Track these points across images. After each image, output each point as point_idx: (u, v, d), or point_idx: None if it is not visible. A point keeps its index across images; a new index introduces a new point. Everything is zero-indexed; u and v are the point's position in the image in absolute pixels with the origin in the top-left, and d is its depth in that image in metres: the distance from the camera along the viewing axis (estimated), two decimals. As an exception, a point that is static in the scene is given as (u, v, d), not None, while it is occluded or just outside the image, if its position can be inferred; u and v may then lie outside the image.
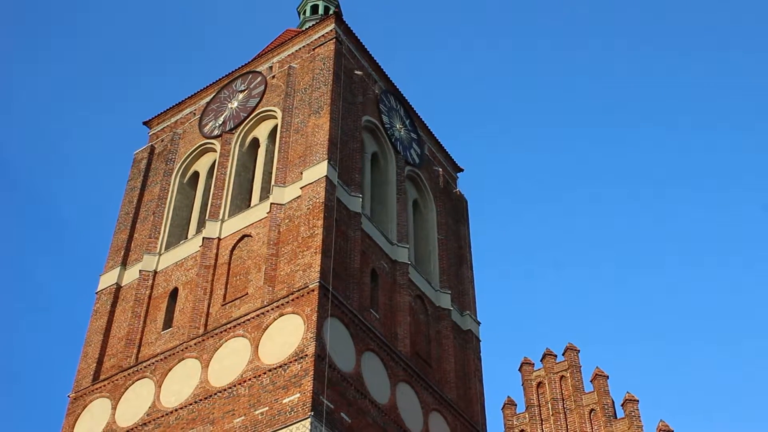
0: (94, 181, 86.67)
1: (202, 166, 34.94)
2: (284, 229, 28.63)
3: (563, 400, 28.49)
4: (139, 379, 28.24)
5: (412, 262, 32.18)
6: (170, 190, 34.42)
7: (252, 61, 36.57)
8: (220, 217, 30.98)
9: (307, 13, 43.76)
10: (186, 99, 37.51)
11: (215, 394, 25.75)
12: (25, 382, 74.57)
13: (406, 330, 29.51)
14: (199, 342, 27.46)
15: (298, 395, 23.75)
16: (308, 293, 25.87)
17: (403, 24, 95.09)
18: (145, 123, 38.35)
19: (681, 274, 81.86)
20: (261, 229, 29.42)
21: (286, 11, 75.47)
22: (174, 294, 30.39)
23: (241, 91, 35.34)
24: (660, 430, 26.40)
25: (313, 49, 33.99)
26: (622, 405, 27.45)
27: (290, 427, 23.24)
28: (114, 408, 28.10)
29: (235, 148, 33.47)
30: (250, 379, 25.23)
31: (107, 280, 32.43)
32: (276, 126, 33.12)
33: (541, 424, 28.22)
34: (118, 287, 31.97)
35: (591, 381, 28.49)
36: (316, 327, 24.92)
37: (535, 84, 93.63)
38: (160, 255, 32.01)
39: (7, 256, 79.19)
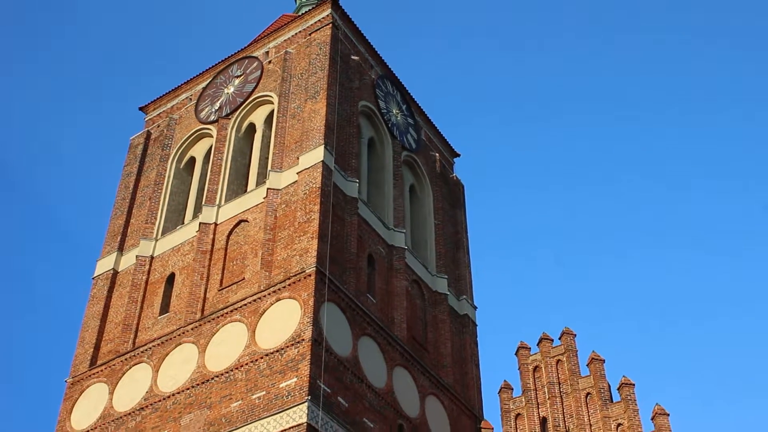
0: (90, 167, 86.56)
1: (198, 151, 34.93)
2: (281, 214, 28.65)
3: (559, 384, 28.53)
4: (136, 364, 28.32)
5: (409, 247, 32.22)
6: (167, 175, 34.43)
7: (248, 46, 36.51)
8: (217, 202, 30.99)
9: (304, -2, 43.58)
10: (182, 84, 37.45)
11: (212, 378, 25.82)
12: (22, 368, 74.69)
13: (403, 315, 29.58)
14: (196, 327, 27.52)
15: (295, 380, 23.82)
16: (305, 278, 25.91)
17: (399, 9, 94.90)
18: (141, 108, 38.30)
19: (677, 259, 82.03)
20: (257, 214, 29.44)
21: (282, -4, 75.35)
22: (171, 279, 30.44)
23: (238, 77, 35.30)
24: (656, 413, 26.47)
25: (310, 35, 33.94)
26: (618, 389, 27.51)
27: (287, 411, 23.34)
28: (111, 393, 28.18)
29: (231, 133, 33.45)
30: (247, 364, 25.30)
31: (104, 265, 32.48)
32: (272, 111, 33.09)
33: (538, 408, 28.28)
34: (115, 272, 32.03)
35: (587, 365, 28.54)
36: (312, 312, 24.98)
37: (532, 69, 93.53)
38: (157, 240, 32.05)
39: (3, 242, 79.19)
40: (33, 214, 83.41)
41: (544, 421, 28.15)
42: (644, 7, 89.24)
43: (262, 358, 25.08)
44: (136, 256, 31.67)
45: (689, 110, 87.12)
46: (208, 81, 36.46)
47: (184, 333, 27.74)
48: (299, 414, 23.04)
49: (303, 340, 24.52)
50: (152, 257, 31.56)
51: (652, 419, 26.48)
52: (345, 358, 25.56)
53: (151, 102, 38.07)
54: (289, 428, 22.97)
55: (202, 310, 28.05)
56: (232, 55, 36.53)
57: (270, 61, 34.68)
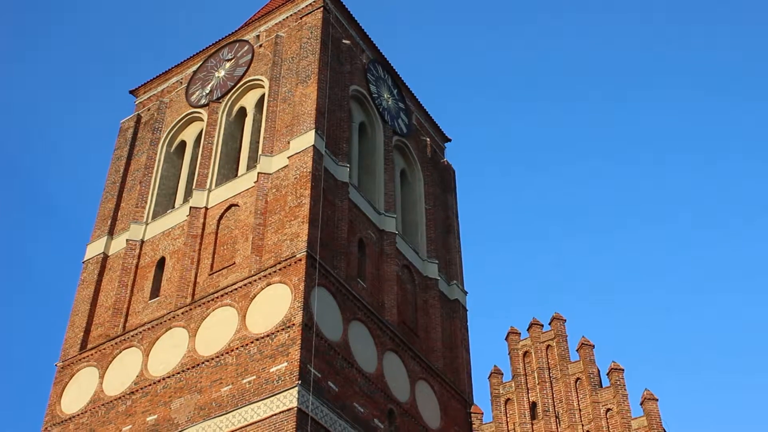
0: (80, 150, 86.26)
1: (189, 135, 34.82)
2: (271, 198, 28.59)
3: (549, 369, 28.67)
4: (126, 348, 28.30)
5: (400, 231, 32.21)
6: (157, 159, 34.33)
7: (239, 29, 36.34)
8: (207, 186, 30.92)
9: (295, -18, 43.32)
10: (173, 68, 37.29)
11: (203, 363, 25.82)
12: (12, 352, 74.61)
13: (393, 299, 29.60)
14: (187, 311, 27.49)
15: (286, 364, 23.83)
16: (295, 263, 25.89)
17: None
18: (131, 92, 38.16)
19: (665, 245, 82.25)
20: (248, 198, 29.38)
21: (273, -21, 74.77)
22: (161, 263, 30.39)
23: (228, 60, 35.15)
24: (645, 398, 26.62)
25: (301, 18, 33.79)
26: (607, 374, 27.66)
27: (278, 396, 23.35)
28: (101, 377, 28.17)
29: (222, 117, 33.35)
30: (237, 348, 25.29)
31: (94, 249, 32.39)
32: (263, 95, 32.98)
33: (527, 393, 28.42)
34: (105, 256, 31.96)
35: (577, 350, 28.67)
36: (303, 296, 24.97)
37: (523, 54, 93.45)
38: (147, 224, 31.97)
39: (-6, 226, 78.91)
40: (24, 197, 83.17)
41: (533, 406, 28.29)
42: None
43: (252, 342, 25.09)
44: (127, 240, 31.59)
45: (682, 90, 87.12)
46: (198, 64, 36.30)
47: (174, 317, 27.71)
48: (289, 398, 23.06)
49: (293, 324, 24.52)
50: (142, 241, 31.49)
51: (641, 404, 26.64)
52: (335, 343, 25.57)
53: (142, 85, 37.92)
54: (280, 413, 22.99)
55: (193, 295, 28.02)
56: (222, 39, 36.37)
57: (261, 45, 34.53)
